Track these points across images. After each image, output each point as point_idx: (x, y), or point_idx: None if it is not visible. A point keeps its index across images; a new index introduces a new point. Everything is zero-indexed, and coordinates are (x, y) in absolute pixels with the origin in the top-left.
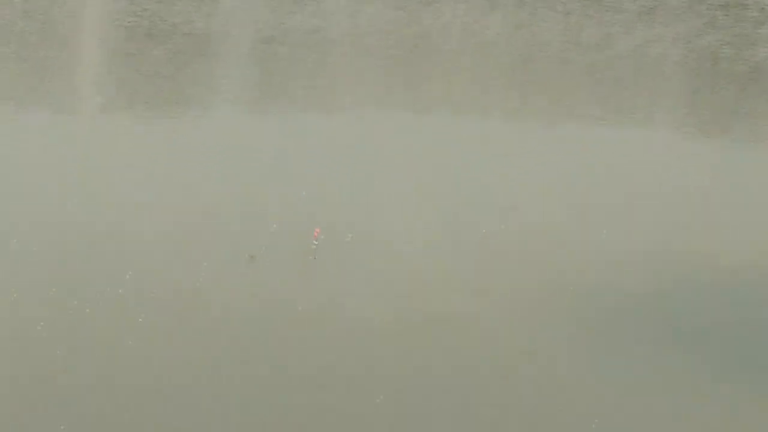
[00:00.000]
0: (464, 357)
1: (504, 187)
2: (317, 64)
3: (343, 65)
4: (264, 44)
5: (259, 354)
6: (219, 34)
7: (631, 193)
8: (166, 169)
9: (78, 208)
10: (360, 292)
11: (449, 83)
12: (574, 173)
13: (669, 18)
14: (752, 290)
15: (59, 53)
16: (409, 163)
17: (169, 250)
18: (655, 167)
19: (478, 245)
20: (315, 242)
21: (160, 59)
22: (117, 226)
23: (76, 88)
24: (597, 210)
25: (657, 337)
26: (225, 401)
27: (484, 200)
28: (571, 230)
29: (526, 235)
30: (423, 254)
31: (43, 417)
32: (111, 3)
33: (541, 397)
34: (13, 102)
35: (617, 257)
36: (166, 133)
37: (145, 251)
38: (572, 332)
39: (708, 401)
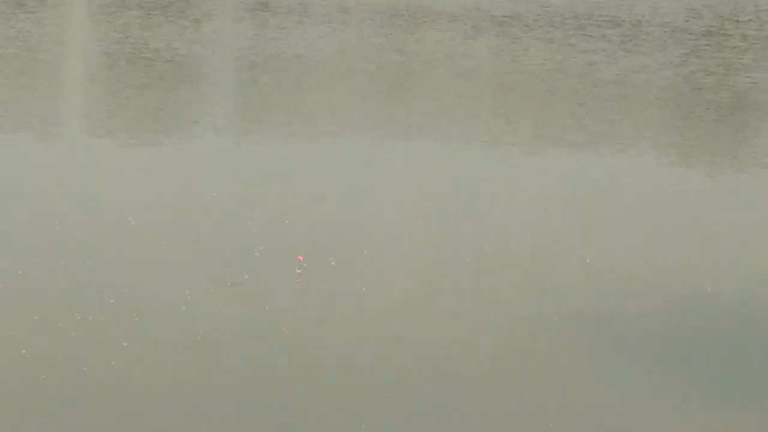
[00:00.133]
0: (454, 383)
1: (489, 213)
2: (300, 90)
3: (327, 91)
4: (247, 70)
5: (243, 379)
6: (201, 60)
7: (615, 219)
8: (148, 194)
9: (59, 233)
10: (345, 318)
11: (433, 109)
12: (558, 199)
13: (651, 46)
14: (737, 313)
15: (41, 78)
16: (393, 189)
17: (153, 275)
18: (640, 193)
19: (463, 271)
20: (298, 270)
21: (143, 85)
22: (99, 251)
23: (57, 113)
24: (580, 236)
25: (645, 360)
26: (208, 427)
27: (469, 226)
28: (555, 256)
29: (512, 260)
30: (408, 280)
31: None
32: (93, 29)
33: (533, 423)
34: None
35: (601, 283)
36: (148, 159)
37: (127, 277)
38: (561, 357)
39: (705, 426)
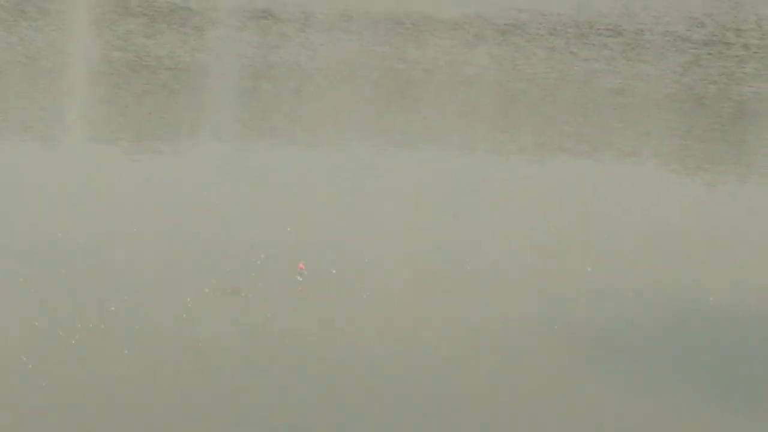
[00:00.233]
0: (455, 390)
1: (490, 221)
2: (302, 97)
3: (328, 99)
4: (249, 78)
5: (244, 387)
6: (204, 68)
7: (615, 227)
8: (149, 202)
9: (61, 240)
10: (345, 325)
11: (434, 117)
12: (559, 207)
13: (653, 55)
14: (737, 321)
15: (43, 86)
16: (394, 196)
17: (154, 282)
18: (641, 201)
19: (463, 280)
20: (299, 277)
21: (145, 92)
22: (102, 259)
23: (60, 120)
24: (581, 244)
25: (644, 367)
26: None
27: (470, 234)
28: (556, 264)
29: (513, 268)
30: (409, 287)
31: None
32: (95, 36)
33: (532, 430)
34: None
35: (601, 291)
36: (150, 166)
37: (128, 284)
38: (561, 364)
39: None
